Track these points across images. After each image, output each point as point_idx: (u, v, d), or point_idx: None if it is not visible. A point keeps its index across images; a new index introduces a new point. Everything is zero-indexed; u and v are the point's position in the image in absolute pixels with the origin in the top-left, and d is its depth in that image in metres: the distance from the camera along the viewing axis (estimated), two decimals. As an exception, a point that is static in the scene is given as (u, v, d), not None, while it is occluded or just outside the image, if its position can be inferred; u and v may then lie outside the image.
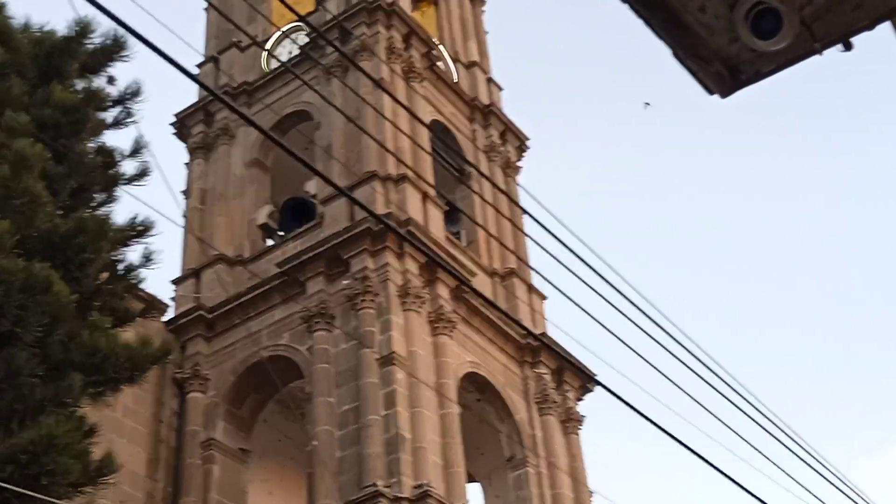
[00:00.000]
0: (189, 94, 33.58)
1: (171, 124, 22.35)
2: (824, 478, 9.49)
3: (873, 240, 57.52)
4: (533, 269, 8.30)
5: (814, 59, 2.95)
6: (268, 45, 22.50)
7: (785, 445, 9.04)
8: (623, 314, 7.57)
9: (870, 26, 3.00)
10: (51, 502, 9.63)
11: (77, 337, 10.45)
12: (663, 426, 7.58)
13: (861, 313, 57.44)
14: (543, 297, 21.22)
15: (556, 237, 6.96)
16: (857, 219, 58.19)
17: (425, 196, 19.17)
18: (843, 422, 54.23)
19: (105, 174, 12.55)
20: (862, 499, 10.25)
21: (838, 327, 58.13)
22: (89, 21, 12.43)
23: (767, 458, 9.21)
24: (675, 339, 7.89)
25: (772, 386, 50.07)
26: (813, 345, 57.75)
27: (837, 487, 9.73)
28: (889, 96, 52.33)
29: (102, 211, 12.23)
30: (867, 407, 55.10)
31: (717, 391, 8.28)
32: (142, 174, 12.93)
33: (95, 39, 12.66)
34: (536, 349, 19.36)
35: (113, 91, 12.90)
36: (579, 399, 20.22)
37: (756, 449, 9.06)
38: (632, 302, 7.60)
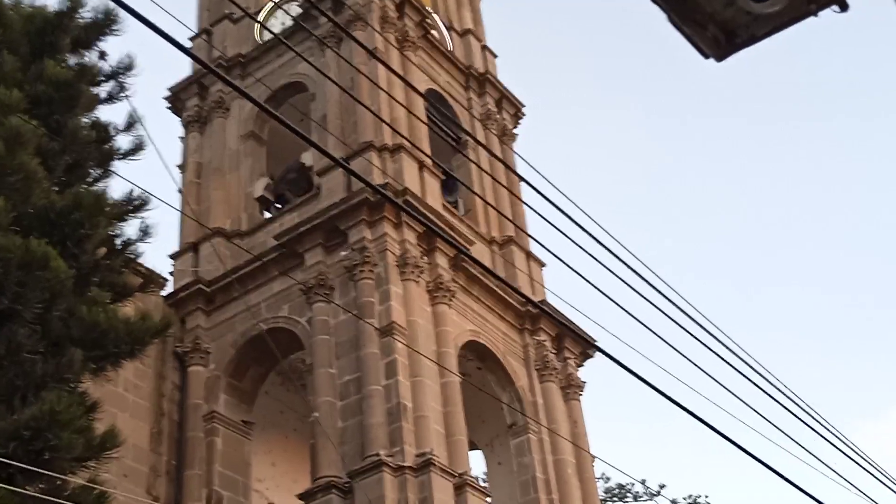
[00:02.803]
0: (183, 67, 33.45)
1: (165, 98, 22.26)
2: (826, 440, 9.54)
3: (875, 204, 57.52)
4: (531, 236, 8.30)
5: (809, 21, 2.93)
6: (260, 17, 22.35)
7: (786, 408, 9.07)
8: (622, 280, 7.58)
9: (865, -14, 2.96)
10: (55, 477, 9.68)
11: (76, 313, 10.47)
12: (663, 391, 7.61)
13: (862, 279, 57.56)
14: (542, 265, 21.23)
15: (553, 204, 6.95)
16: (857, 183, 58.13)
17: (422, 165, 19.12)
18: (843, 385, 54.49)
19: (100, 149, 12.53)
20: (864, 459, 10.30)
21: (839, 291, 58.27)
22: (80, -5, 12.36)
23: (769, 422, 9.25)
24: (674, 303, 7.90)
25: (772, 350, 50.26)
26: (813, 309, 57.91)
27: (839, 449, 9.78)
28: (886, 55, 52.09)
29: (98, 186, 12.21)
30: (868, 370, 55.36)
31: (717, 355, 8.30)
32: (136, 149, 12.91)
33: (87, 14, 12.60)
34: (536, 316, 19.39)
35: (106, 66, 12.86)
36: (580, 365, 20.27)
37: (758, 412, 9.10)
38: (630, 267, 7.61)
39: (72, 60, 12.56)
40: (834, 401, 50.82)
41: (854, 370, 56.29)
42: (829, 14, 2.93)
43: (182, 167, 21.26)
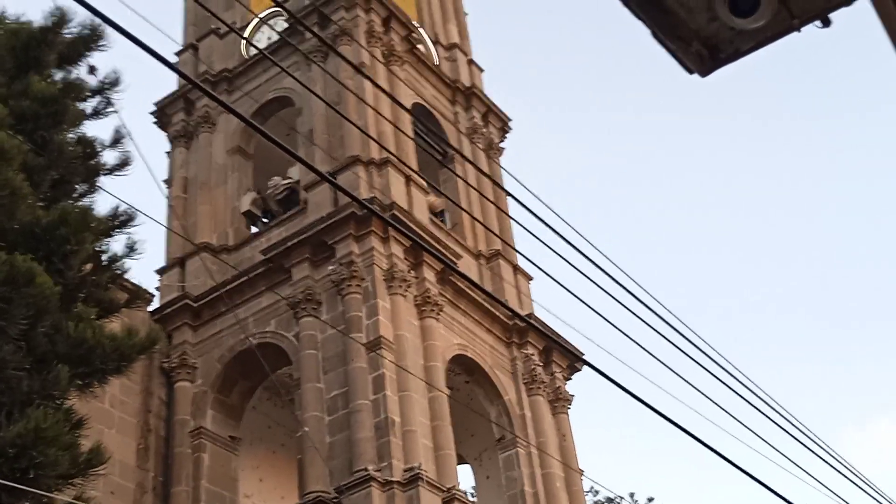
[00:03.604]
0: (169, 82, 33.40)
1: (152, 113, 22.22)
2: (812, 451, 9.56)
3: (860, 214, 57.83)
4: (518, 251, 8.32)
5: (793, 37, 2.95)
6: (246, 32, 22.36)
7: (772, 420, 9.09)
8: (609, 294, 7.59)
9: (847, 2, 2.99)
10: (41, 495, 9.61)
11: (62, 329, 10.40)
12: (651, 403, 7.61)
13: (847, 289, 57.81)
14: (529, 278, 21.24)
15: (539, 218, 6.97)
16: (841, 194, 58.44)
17: (409, 180, 19.13)
18: (827, 394, 54.66)
19: (86, 165, 12.48)
20: (849, 469, 10.33)
21: (824, 303, 58.49)
22: (66, 11, 12.34)
23: (755, 434, 9.27)
24: (660, 317, 7.92)
25: (758, 362, 50.42)
26: (797, 318, 58.10)
27: (824, 460, 9.80)
28: (867, 71, 52.48)
29: (84, 202, 12.17)
30: (851, 379, 55.56)
31: (704, 368, 8.32)
32: (123, 164, 12.87)
33: (72, 29, 12.56)
34: (523, 330, 19.39)
35: (92, 81, 12.82)
36: (567, 378, 20.28)
37: (744, 425, 9.12)
38: (617, 281, 7.62)
39: (58, 76, 12.53)
40: (818, 410, 51.00)
41: (837, 379, 56.51)
42: (812, 29, 2.96)
43: (168, 182, 21.21)
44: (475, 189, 20.42)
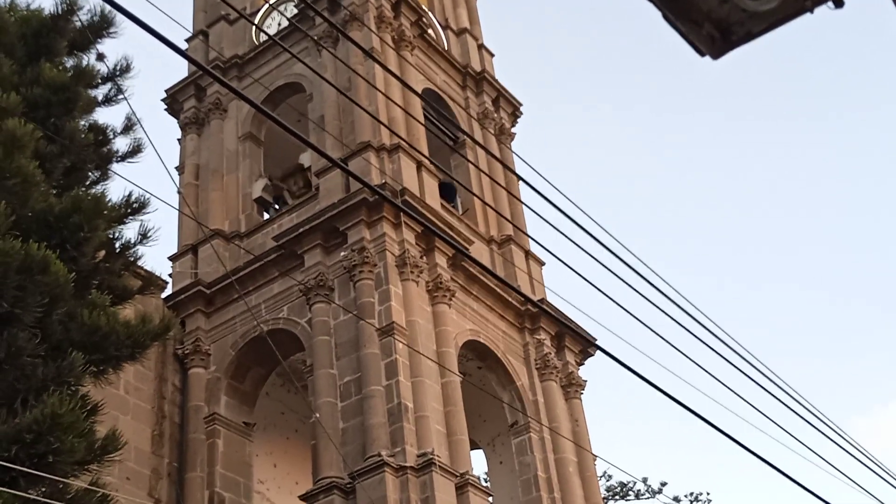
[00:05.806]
0: (180, 68, 33.45)
1: (163, 100, 22.24)
2: (825, 435, 9.55)
3: (869, 202, 57.56)
4: (530, 236, 8.32)
5: (805, 18, 2.93)
6: (256, 18, 22.34)
7: (785, 404, 9.08)
8: (621, 279, 7.58)
9: (861, -18, 2.96)
10: (57, 481, 9.68)
11: (77, 316, 10.46)
12: (664, 388, 7.61)
13: (856, 275, 57.60)
14: (542, 264, 21.23)
15: (552, 203, 6.96)
16: (851, 181, 58.17)
17: (420, 165, 19.12)
18: (834, 381, 54.57)
19: (98, 152, 12.52)
20: (863, 453, 10.31)
21: (834, 289, 58.29)
22: (76, -2, 12.35)
23: (769, 419, 9.26)
24: (673, 301, 7.91)
25: (769, 347, 50.31)
26: (802, 305, 57.93)
27: (839, 445, 9.79)
28: (879, 51, 52.14)
29: (97, 189, 12.20)
30: (861, 367, 55.42)
31: (717, 353, 8.31)
32: (135, 151, 12.90)
33: (83, 16, 12.59)
34: (536, 315, 19.38)
35: (103, 68, 12.85)
36: (580, 364, 20.27)
37: (757, 409, 9.11)
38: (630, 266, 7.61)
39: (69, 63, 12.55)
40: (826, 396, 50.94)
41: (844, 366, 56.37)
42: (825, 10, 2.94)
43: (180, 169, 21.26)
44: (486, 174, 20.38)
